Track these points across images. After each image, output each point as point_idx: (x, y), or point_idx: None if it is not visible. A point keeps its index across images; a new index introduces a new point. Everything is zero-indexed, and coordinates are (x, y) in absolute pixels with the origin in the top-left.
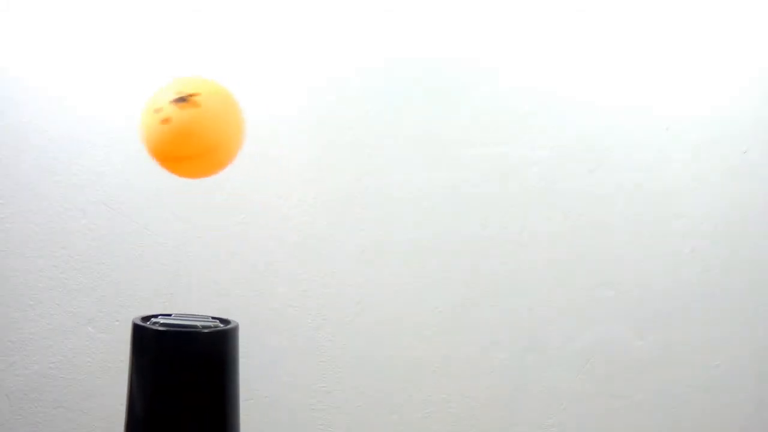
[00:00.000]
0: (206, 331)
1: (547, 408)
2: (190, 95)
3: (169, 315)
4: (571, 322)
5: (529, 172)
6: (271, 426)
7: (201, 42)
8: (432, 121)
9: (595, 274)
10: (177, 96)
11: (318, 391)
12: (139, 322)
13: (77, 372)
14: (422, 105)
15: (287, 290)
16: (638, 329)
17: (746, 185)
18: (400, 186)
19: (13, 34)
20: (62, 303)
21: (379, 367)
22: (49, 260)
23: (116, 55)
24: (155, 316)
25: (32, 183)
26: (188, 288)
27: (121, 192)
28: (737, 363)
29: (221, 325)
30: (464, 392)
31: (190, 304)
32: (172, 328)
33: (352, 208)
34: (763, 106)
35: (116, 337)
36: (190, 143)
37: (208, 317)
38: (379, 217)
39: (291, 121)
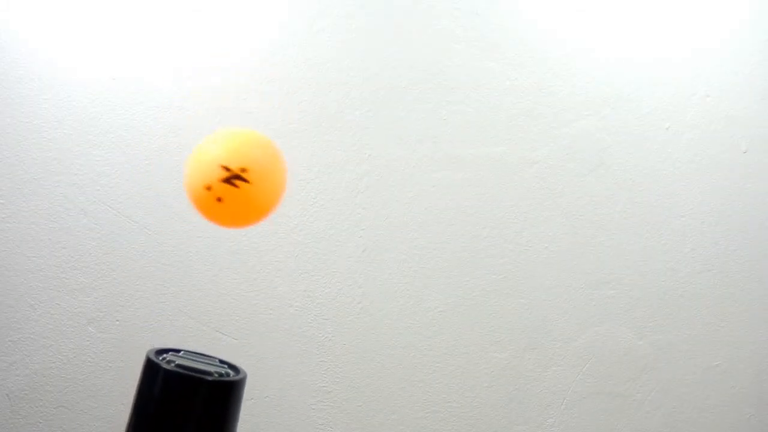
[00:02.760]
0: (210, 379)
1: (547, 408)
2: (240, 173)
3: (179, 351)
4: (571, 322)
5: (529, 172)
6: (271, 426)
7: (202, 42)
8: (432, 121)
9: (595, 274)
10: (226, 175)
11: (318, 391)
12: (153, 357)
13: (77, 372)
14: (422, 105)
15: (287, 290)
16: (638, 329)
17: (746, 185)
18: (400, 186)
19: (13, 34)
20: (62, 303)
21: (379, 367)
22: (49, 260)
23: (116, 56)
24: (166, 351)
25: (32, 183)
26: (188, 288)
27: (121, 192)
28: (737, 363)
29: (230, 372)
30: (464, 392)
31: (190, 304)
32: (181, 370)
33: (352, 208)
34: (764, 106)
35: (116, 337)
36: (246, 217)
37: (216, 360)
38: (379, 217)
39: (291, 121)
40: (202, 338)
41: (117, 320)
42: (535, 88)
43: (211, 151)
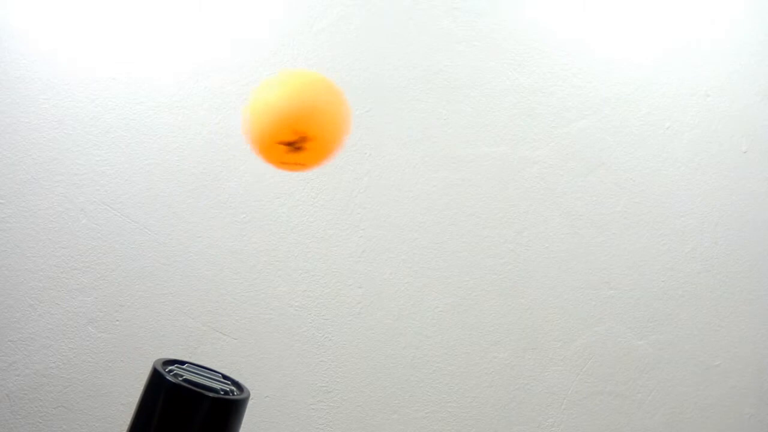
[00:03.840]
0: (213, 396)
1: (547, 408)
2: (303, 141)
3: (183, 364)
4: (571, 322)
5: (529, 172)
6: (271, 426)
7: (202, 42)
8: (432, 121)
9: (595, 274)
10: (289, 140)
11: (318, 391)
12: (159, 368)
13: (77, 372)
14: (422, 105)
15: (287, 290)
16: (638, 329)
17: (746, 185)
18: (400, 186)
19: (13, 33)
20: (62, 303)
21: (379, 367)
22: (49, 260)
23: (116, 55)
24: (173, 363)
25: (32, 183)
26: (188, 288)
27: (121, 192)
28: (737, 363)
29: (234, 389)
30: (464, 392)
31: (190, 304)
32: (186, 384)
33: (352, 208)
34: (764, 106)
35: (116, 337)
36: (317, 162)
37: (219, 375)
38: (379, 217)
39: None
40: (202, 338)
41: (117, 320)
42: (535, 88)
43: (273, 109)
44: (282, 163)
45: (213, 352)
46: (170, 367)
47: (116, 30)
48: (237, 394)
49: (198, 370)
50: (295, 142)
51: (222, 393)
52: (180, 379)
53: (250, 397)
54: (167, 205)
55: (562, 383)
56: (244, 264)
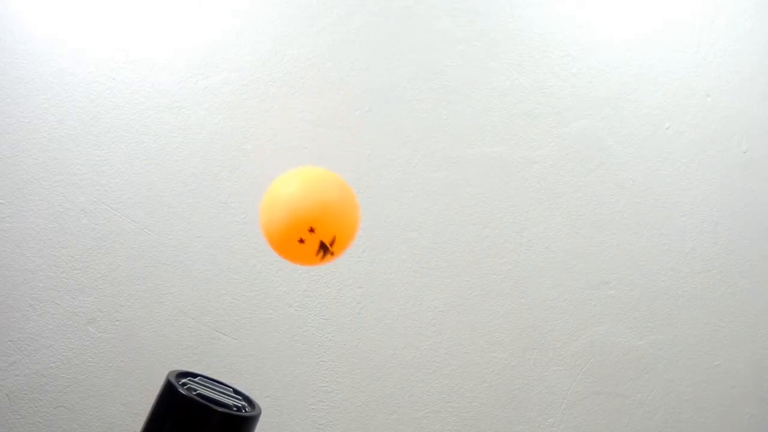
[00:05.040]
0: (221, 410)
1: (547, 408)
2: (331, 244)
3: (195, 376)
4: (571, 322)
5: (529, 172)
6: (271, 426)
7: (201, 42)
8: (432, 121)
9: (595, 274)
10: (320, 246)
11: (318, 391)
12: (173, 380)
13: (77, 372)
14: (422, 105)
15: (287, 290)
16: (638, 329)
17: (746, 185)
18: (400, 186)
19: (12, 33)
20: (62, 303)
21: (379, 366)
22: (49, 260)
23: (116, 55)
24: (185, 375)
25: (32, 183)
26: (189, 288)
27: (121, 192)
28: (737, 363)
29: (245, 404)
30: (464, 392)
31: (190, 304)
32: (199, 399)
33: None
34: (764, 106)
35: (116, 337)
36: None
37: (230, 389)
38: (379, 217)
39: (291, 121)
40: (202, 338)
41: (117, 320)
42: (535, 88)
43: (296, 208)
44: (309, 263)
45: (213, 352)
46: (183, 380)
47: (116, 30)
48: (248, 411)
49: (210, 383)
50: (328, 246)
51: (234, 409)
52: (194, 393)
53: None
54: (167, 205)
55: (562, 383)
56: (244, 264)
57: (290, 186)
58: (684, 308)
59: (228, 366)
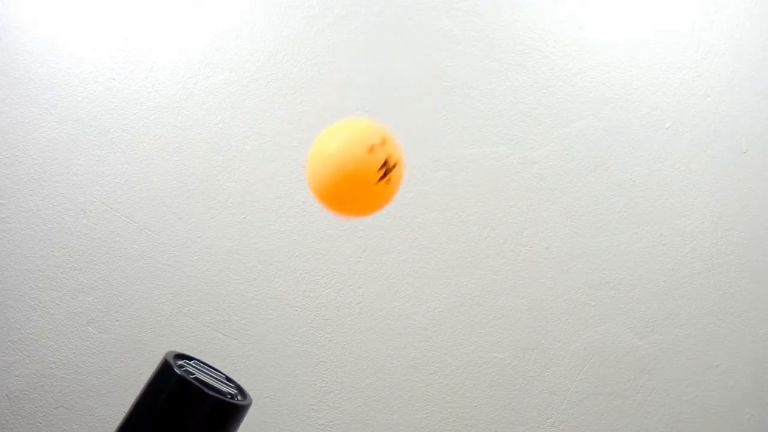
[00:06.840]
0: (212, 394)
1: (547, 408)
2: (393, 167)
3: (191, 359)
4: (571, 322)
5: (529, 172)
6: (271, 426)
7: (202, 42)
8: (432, 121)
9: (595, 274)
10: (383, 164)
11: (318, 391)
12: (171, 360)
13: (77, 372)
14: (422, 105)
15: (287, 290)
16: (638, 329)
17: (746, 185)
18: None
19: (13, 33)
20: (62, 303)
21: (379, 367)
22: (49, 260)
23: (116, 56)
24: (181, 357)
25: (32, 183)
26: (189, 288)
27: (121, 192)
28: (737, 363)
29: (237, 393)
30: (464, 392)
31: (190, 304)
32: (195, 382)
33: None
34: (764, 106)
35: (116, 337)
36: (375, 208)
37: (222, 376)
38: (379, 217)
39: (291, 121)
40: (202, 338)
41: (117, 320)
42: (535, 88)
43: (366, 123)
44: (366, 182)
45: (213, 352)
46: (180, 362)
47: (116, 30)
48: (240, 399)
49: (204, 368)
50: (388, 167)
51: (228, 396)
52: (191, 377)
53: (252, 398)
54: (167, 205)
55: (562, 383)
56: (244, 264)
57: (350, 120)
58: (684, 308)
59: (228, 366)
